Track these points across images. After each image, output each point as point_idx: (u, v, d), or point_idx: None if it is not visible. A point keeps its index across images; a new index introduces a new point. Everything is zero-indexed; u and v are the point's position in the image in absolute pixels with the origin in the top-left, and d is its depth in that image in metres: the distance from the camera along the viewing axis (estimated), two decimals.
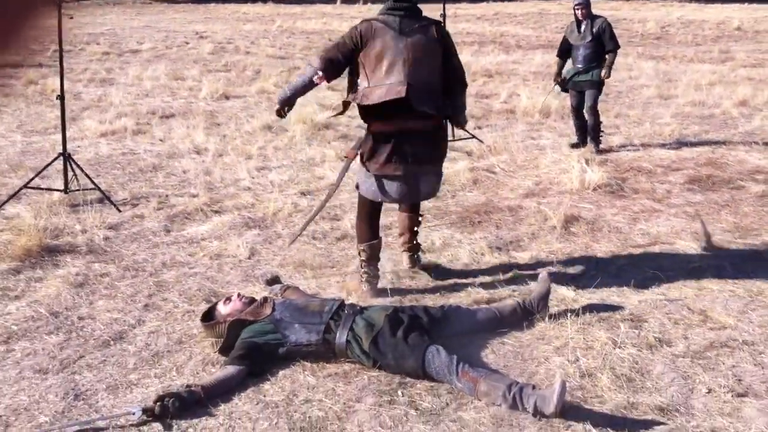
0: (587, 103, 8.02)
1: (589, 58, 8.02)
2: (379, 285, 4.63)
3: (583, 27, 8.15)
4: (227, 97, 11.42)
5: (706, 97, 11.24)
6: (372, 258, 4.61)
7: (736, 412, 3.34)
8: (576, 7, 8.24)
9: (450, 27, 19.95)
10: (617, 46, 8.18)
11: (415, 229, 4.88)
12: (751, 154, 7.87)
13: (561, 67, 8.35)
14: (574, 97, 8.19)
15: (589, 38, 8.04)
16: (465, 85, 4.63)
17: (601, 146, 8.14)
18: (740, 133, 8.97)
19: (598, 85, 8.07)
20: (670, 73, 13.89)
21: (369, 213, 4.65)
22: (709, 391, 3.50)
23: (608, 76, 8.08)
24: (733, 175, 7.10)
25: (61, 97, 6.17)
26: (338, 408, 3.40)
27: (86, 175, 6.26)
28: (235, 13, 31.07)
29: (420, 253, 4.99)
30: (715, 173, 7.15)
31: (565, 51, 8.28)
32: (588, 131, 8.12)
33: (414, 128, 4.37)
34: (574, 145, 8.22)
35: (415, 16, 4.46)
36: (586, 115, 8.06)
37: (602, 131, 8.23)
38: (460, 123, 4.81)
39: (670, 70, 14.46)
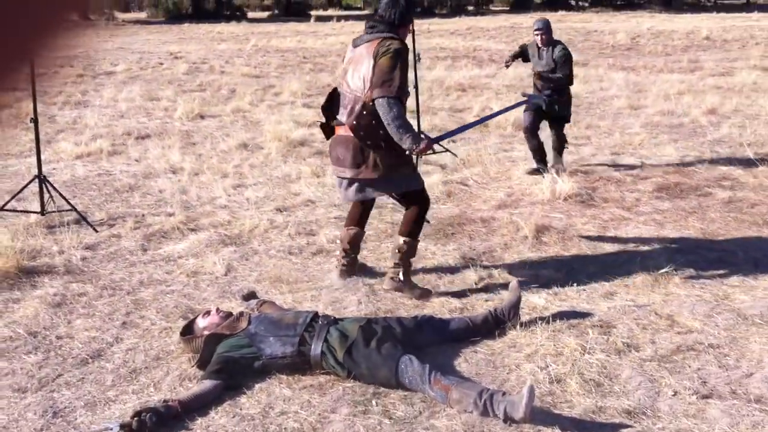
0: (552, 137, 7.69)
1: (552, 83, 7.51)
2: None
3: (544, 54, 7.55)
4: (202, 117, 11.48)
5: (675, 106, 11.44)
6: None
7: (700, 413, 3.44)
8: (535, 33, 7.61)
9: (423, 42, 20.13)
10: (569, 80, 7.54)
11: (397, 250, 4.89)
12: (718, 161, 8.03)
13: (517, 54, 7.97)
14: (529, 116, 7.54)
15: (551, 65, 7.48)
16: (381, 92, 4.47)
17: (573, 157, 8.26)
18: (708, 141, 9.15)
19: (562, 121, 7.64)
20: (640, 84, 14.11)
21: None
22: (675, 393, 3.60)
23: (548, 97, 7.40)
24: (701, 183, 7.25)
25: (35, 120, 6.21)
26: (313, 419, 3.46)
27: (62, 196, 6.30)
28: (209, 33, 31.14)
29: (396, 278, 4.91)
30: (683, 181, 7.30)
31: (523, 53, 7.91)
32: (551, 148, 7.72)
33: (339, 134, 4.74)
34: (533, 171, 7.62)
35: (373, 31, 4.65)
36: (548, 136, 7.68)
37: (566, 146, 7.90)
38: (374, 142, 4.61)
39: (641, 80, 14.68)
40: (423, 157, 8.00)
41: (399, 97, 4.49)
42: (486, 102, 12.21)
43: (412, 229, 4.86)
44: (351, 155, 4.65)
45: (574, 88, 8.04)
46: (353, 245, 5.06)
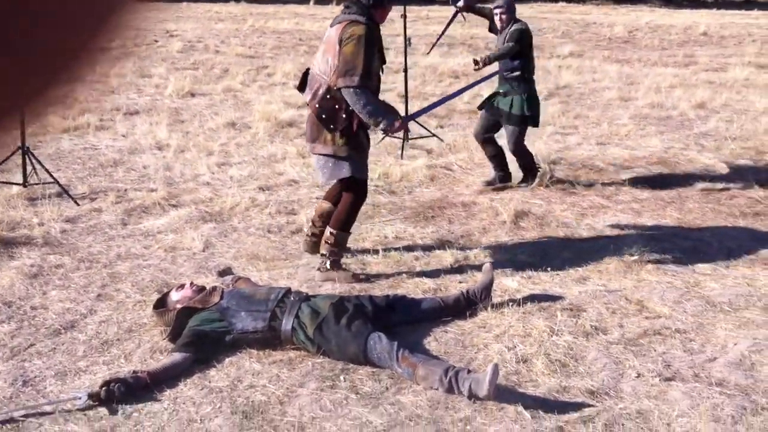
0: (508, 145, 6.63)
1: (508, 71, 6.50)
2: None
3: (504, 34, 6.52)
4: (193, 95, 11.47)
5: (665, 99, 11.46)
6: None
7: (662, 395, 3.49)
8: (495, 11, 6.55)
9: (420, 29, 20.16)
10: (511, 54, 6.42)
11: (324, 241, 4.88)
12: (702, 154, 8.07)
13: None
14: (483, 120, 6.73)
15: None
16: (345, 83, 4.49)
17: (558, 145, 8.27)
18: (695, 134, 9.18)
19: (519, 121, 6.50)
20: (633, 76, 14.11)
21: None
22: (639, 375, 3.65)
23: (482, 62, 6.39)
24: (682, 174, 7.29)
25: None
26: (281, 393, 3.50)
27: (45, 169, 6.31)
28: (207, 12, 31.00)
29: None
30: (665, 171, 7.34)
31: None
32: (518, 167, 6.79)
33: (309, 112, 4.80)
34: (489, 183, 6.77)
35: (346, 12, 4.68)
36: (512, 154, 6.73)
37: (538, 166, 6.85)
38: (335, 126, 4.63)
39: (634, 73, 14.68)
40: (409, 141, 8.05)
41: (364, 85, 4.48)
42: (478, 90, 12.20)
43: (343, 220, 4.82)
44: (314, 132, 4.71)
45: (566, 79, 7.99)
46: (323, 219, 5.02)
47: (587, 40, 21.80)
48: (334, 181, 4.85)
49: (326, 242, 4.83)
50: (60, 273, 4.85)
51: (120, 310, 4.36)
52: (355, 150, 4.69)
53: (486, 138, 6.74)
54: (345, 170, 4.70)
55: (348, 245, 5.10)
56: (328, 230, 4.83)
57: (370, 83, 4.57)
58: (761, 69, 15.18)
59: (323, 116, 4.60)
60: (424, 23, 27.02)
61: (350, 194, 4.82)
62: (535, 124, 6.72)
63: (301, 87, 4.82)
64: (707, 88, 12.54)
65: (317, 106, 4.61)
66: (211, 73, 13.83)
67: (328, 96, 4.57)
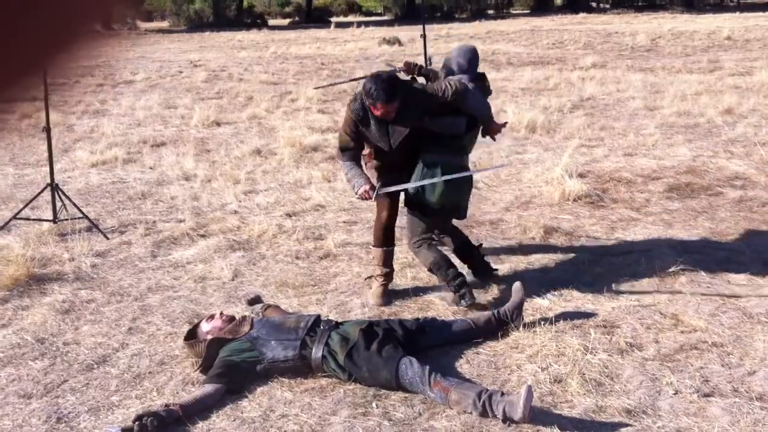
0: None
1: None
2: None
3: None
4: (218, 124, 11.55)
5: (691, 106, 11.35)
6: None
7: (701, 411, 3.41)
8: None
9: (442, 47, 20.23)
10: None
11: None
12: (731, 161, 7.96)
13: None
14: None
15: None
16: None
17: (585, 158, 8.19)
18: (723, 141, 9.06)
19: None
20: (658, 85, 14.01)
21: None
22: (676, 392, 3.58)
23: None
24: (712, 182, 7.19)
25: (47, 129, 6.29)
26: (313, 422, 3.48)
27: (74, 204, 6.38)
28: (229, 41, 31.36)
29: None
30: (695, 181, 7.24)
31: None
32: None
33: None
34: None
35: None
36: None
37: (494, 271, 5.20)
38: None
39: (658, 81, 14.57)
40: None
41: (343, 153, 4.83)
42: (501, 104, 12.19)
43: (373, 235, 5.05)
44: None
45: (590, 90, 7.93)
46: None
47: (609, 50, 21.71)
48: None
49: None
50: (91, 308, 4.88)
51: (151, 343, 4.37)
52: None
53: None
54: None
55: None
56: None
57: (351, 148, 4.84)
58: None
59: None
60: (445, 41, 27.07)
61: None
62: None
63: None
64: (734, 93, 12.40)
65: None
66: (235, 101, 13.95)
67: None
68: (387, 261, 4.93)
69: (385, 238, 4.95)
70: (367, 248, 5.80)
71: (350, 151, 4.83)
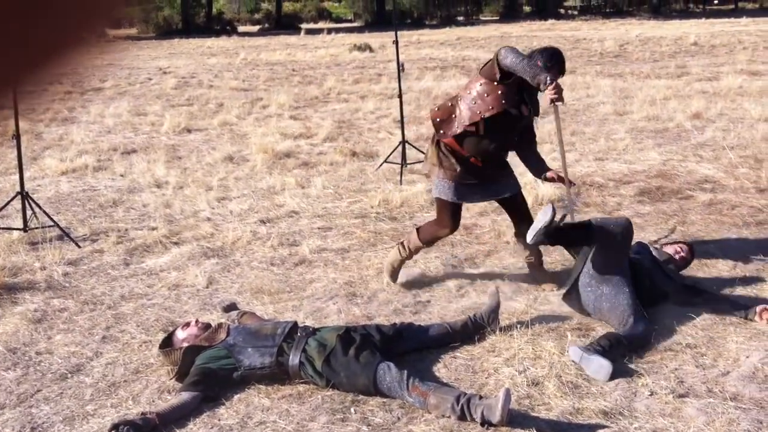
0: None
1: None
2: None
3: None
4: (189, 131, 11.49)
5: (660, 111, 11.48)
6: None
7: (677, 412, 3.45)
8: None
9: (412, 53, 20.25)
10: None
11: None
12: (700, 165, 8.07)
13: None
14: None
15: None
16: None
17: (557, 164, 8.24)
18: (692, 145, 9.18)
19: None
20: (627, 90, 14.16)
21: None
22: (652, 393, 3.61)
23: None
24: (682, 186, 7.28)
25: (17, 136, 6.22)
26: (291, 428, 3.47)
27: (45, 212, 6.30)
28: (199, 48, 31.20)
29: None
30: (665, 185, 7.33)
31: None
32: None
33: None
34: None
35: None
36: None
37: None
38: None
39: (627, 86, 14.73)
40: (407, 166, 8.06)
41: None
42: None
43: (423, 230, 5.07)
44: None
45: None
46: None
47: (579, 56, 21.90)
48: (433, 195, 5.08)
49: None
50: (64, 317, 4.83)
51: (126, 351, 4.33)
52: (445, 171, 4.79)
53: None
54: (434, 190, 4.96)
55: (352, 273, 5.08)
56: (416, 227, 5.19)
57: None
58: (754, 76, 15.24)
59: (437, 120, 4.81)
60: (416, 47, 27.17)
61: (436, 212, 5.08)
62: None
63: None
64: (701, 98, 12.57)
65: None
66: (206, 108, 13.88)
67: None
68: (417, 252, 5.09)
69: (431, 242, 5.08)
70: (343, 254, 5.80)
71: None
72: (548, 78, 4.30)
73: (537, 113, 4.83)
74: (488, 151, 4.71)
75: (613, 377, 3.73)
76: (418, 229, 5.06)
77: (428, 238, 5.02)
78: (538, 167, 4.92)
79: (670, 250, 4.90)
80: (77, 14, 0.54)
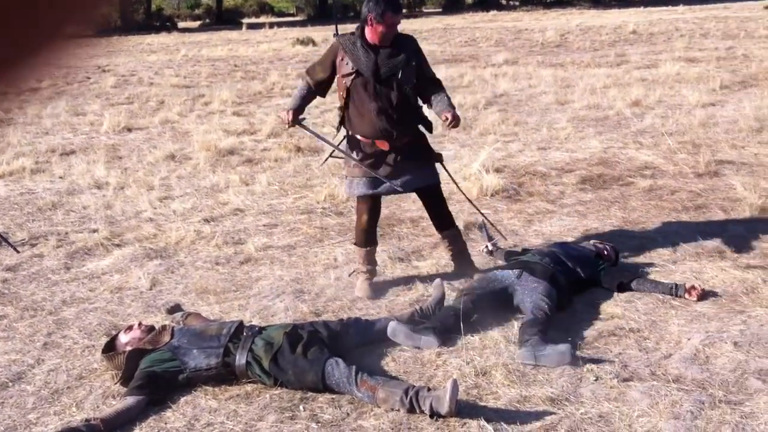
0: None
1: None
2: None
3: None
4: (129, 130, 11.29)
5: (600, 100, 11.64)
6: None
7: (621, 396, 3.50)
8: None
9: None
10: None
11: None
12: (640, 152, 8.20)
13: None
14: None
15: None
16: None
17: (500, 153, 8.31)
18: (632, 132, 9.33)
19: None
20: (568, 79, 14.32)
21: None
22: (597, 378, 3.66)
23: None
24: (623, 173, 7.40)
25: None
26: (240, 429, 3.43)
27: None
28: (138, 45, 30.68)
29: None
30: (606, 172, 7.44)
31: None
32: None
33: None
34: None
35: None
36: None
37: None
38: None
39: (568, 76, 14.90)
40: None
41: (305, 75, 4.87)
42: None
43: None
44: None
45: (503, 86, 8.06)
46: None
47: (520, 47, 22.10)
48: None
49: None
50: (3, 324, 4.71)
51: (68, 357, 4.23)
52: (349, 169, 4.87)
53: None
54: (346, 189, 5.06)
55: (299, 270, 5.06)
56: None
57: (312, 79, 4.80)
58: (691, 63, 15.55)
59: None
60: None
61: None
62: None
63: None
64: (641, 85, 12.79)
65: None
66: (146, 106, 13.66)
67: None
68: (370, 259, 4.99)
69: (367, 239, 4.98)
70: (289, 251, 5.76)
71: (312, 77, 4.82)
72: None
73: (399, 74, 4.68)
74: (375, 124, 4.67)
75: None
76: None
77: (358, 237, 5.01)
78: (438, 108, 4.78)
79: (599, 246, 5.00)
80: (53, 14, 0.52)
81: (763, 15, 28.58)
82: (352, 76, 4.63)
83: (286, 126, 4.82)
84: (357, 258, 5.06)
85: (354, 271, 5.10)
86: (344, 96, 4.71)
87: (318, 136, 5.43)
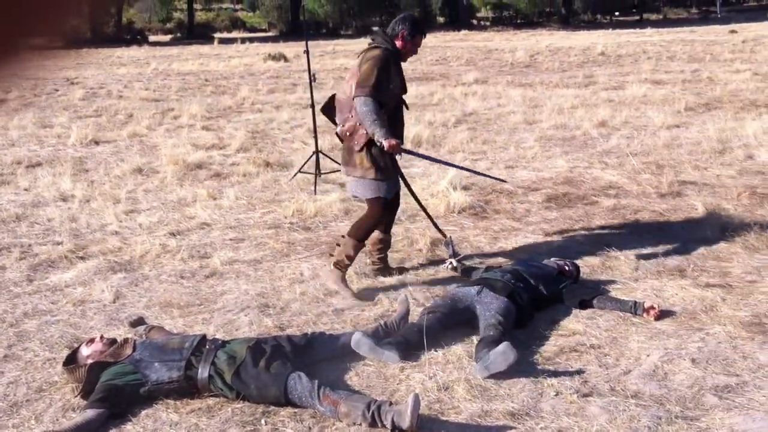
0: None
1: None
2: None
3: None
4: (97, 143, 11.21)
5: (568, 120, 11.79)
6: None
7: (581, 411, 3.54)
8: None
9: (328, 63, 20.22)
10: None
11: (336, 243, 5.37)
12: (605, 171, 8.32)
13: None
14: None
15: None
16: (357, 93, 4.89)
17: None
18: (598, 152, 9.46)
19: None
20: (536, 99, 14.49)
21: None
22: (557, 393, 3.70)
23: None
24: (588, 192, 7.50)
25: None
26: None
27: None
28: (108, 58, 30.52)
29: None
30: (572, 191, 7.53)
31: None
32: None
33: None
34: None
35: (370, 43, 5.21)
36: None
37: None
38: (359, 143, 5.04)
39: (537, 96, 15.07)
40: (321, 176, 8.05)
41: (374, 96, 4.85)
42: None
43: (355, 229, 5.16)
44: (342, 153, 5.20)
45: (472, 105, 8.17)
46: (377, 247, 5.45)
47: (490, 66, 22.32)
48: (368, 197, 5.15)
49: (337, 244, 5.24)
50: None
51: (29, 370, 4.19)
52: (381, 172, 5.02)
53: None
54: (371, 191, 5.07)
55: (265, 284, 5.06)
56: (341, 235, 5.29)
57: (381, 96, 4.89)
58: (657, 85, 15.81)
59: (347, 134, 5.03)
60: (331, 57, 27.21)
61: (372, 210, 5.15)
62: None
63: (326, 109, 5.31)
64: (607, 106, 12.97)
65: (344, 126, 5.03)
66: (115, 119, 13.59)
67: (351, 114, 4.97)
68: (356, 254, 5.16)
69: (366, 236, 5.19)
70: (255, 266, 5.75)
71: (379, 92, 4.88)
72: (383, 137, 4.85)
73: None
74: (400, 130, 5.20)
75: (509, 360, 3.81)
76: (349, 235, 5.16)
77: (365, 234, 5.17)
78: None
79: (560, 263, 5.09)
80: (20, 25, 0.52)
81: (728, 39, 29.14)
82: (397, 87, 5.08)
83: (399, 155, 5.07)
84: (348, 252, 5.12)
85: (333, 259, 5.18)
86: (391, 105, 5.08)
87: (430, 158, 6.31)
